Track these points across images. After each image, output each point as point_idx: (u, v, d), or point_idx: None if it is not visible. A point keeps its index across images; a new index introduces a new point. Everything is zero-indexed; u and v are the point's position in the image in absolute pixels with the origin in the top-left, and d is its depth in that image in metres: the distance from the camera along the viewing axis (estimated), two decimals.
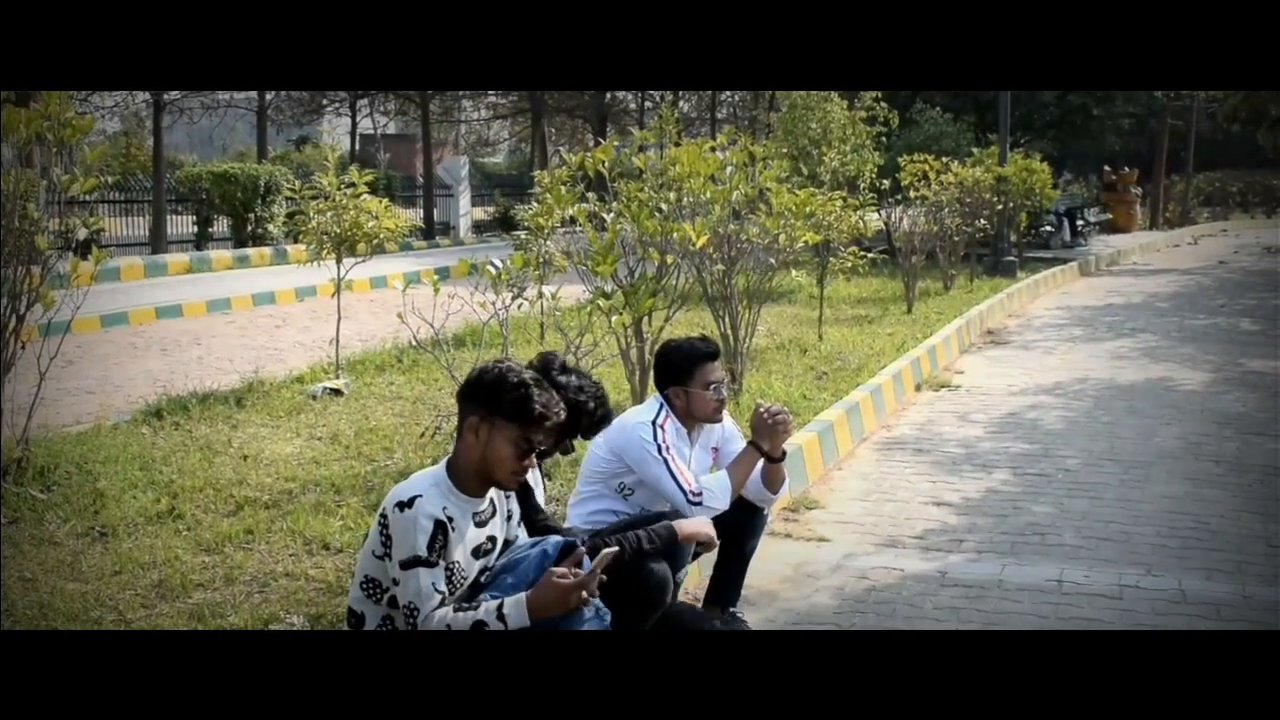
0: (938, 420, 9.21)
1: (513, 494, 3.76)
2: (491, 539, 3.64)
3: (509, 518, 3.77)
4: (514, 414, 3.46)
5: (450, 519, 3.44)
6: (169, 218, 24.95)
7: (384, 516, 3.47)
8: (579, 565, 3.54)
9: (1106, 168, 38.17)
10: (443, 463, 3.59)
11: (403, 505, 3.42)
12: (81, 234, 6.89)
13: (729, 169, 7.79)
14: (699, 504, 4.64)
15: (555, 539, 3.77)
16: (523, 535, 3.85)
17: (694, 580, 5.15)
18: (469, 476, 3.52)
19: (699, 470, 4.82)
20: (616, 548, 3.73)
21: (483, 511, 3.60)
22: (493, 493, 3.63)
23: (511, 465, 3.49)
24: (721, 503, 4.62)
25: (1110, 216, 34.05)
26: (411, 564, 3.36)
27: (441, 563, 3.40)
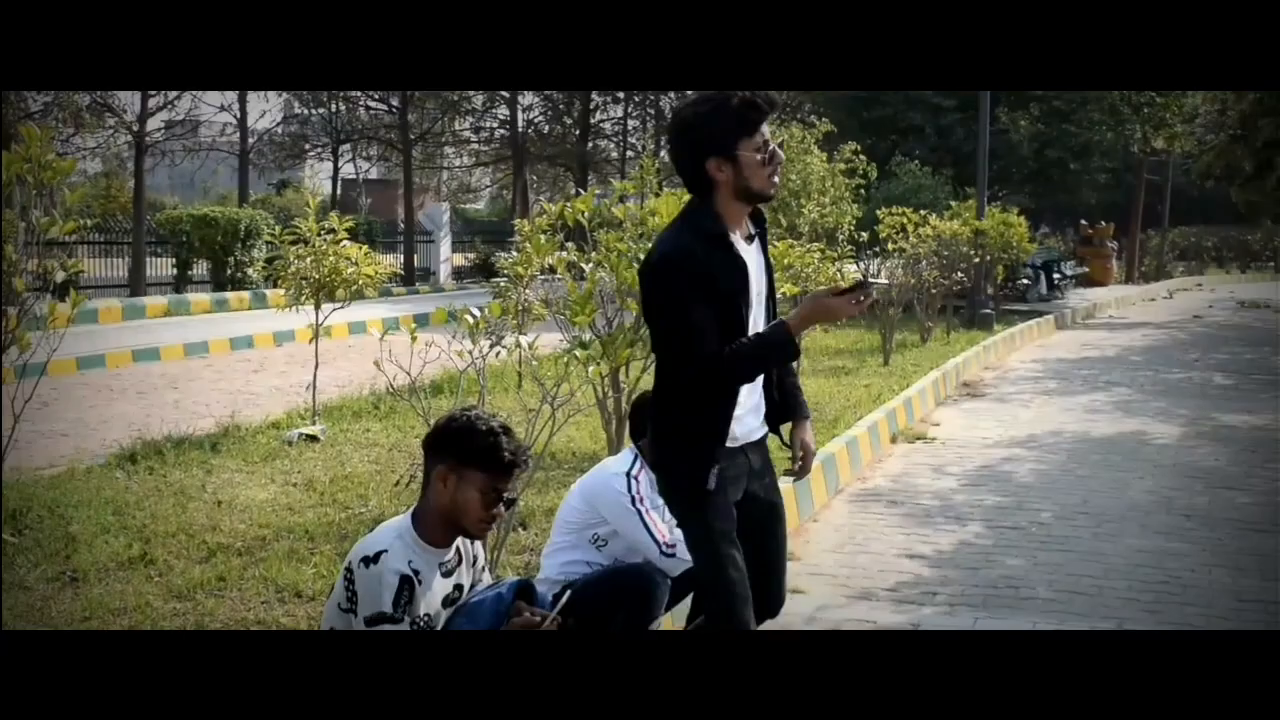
0: (913, 472, 9.24)
1: (480, 540, 3.76)
2: (459, 587, 3.65)
3: (475, 563, 3.77)
4: (483, 462, 3.46)
5: (416, 572, 3.43)
6: (148, 260, 24.95)
7: (349, 571, 3.46)
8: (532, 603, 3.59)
9: (1083, 221, 38.51)
10: (408, 513, 3.59)
11: (368, 560, 3.41)
12: (59, 276, 6.88)
13: None
14: (673, 556, 4.66)
15: (511, 580, 3.78)
16: (487, 579, 3.85)
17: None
18: (436, 526, 3.52)
19: (673, 522, 4.84)
20: (569, 591, 3.76)
21: (449, 561, 3.60)
22: (459, 540, 3.63)
23: (480, 514, 3.49)
24: None
25: (1087, 270, 34.33)
26: (376, 620, 3.35)
27: (407, 618, 3.39)
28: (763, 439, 3.95)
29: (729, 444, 3.73)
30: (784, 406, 3.99)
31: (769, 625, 4.02)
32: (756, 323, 3.70)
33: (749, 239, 3.73)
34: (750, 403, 3.80)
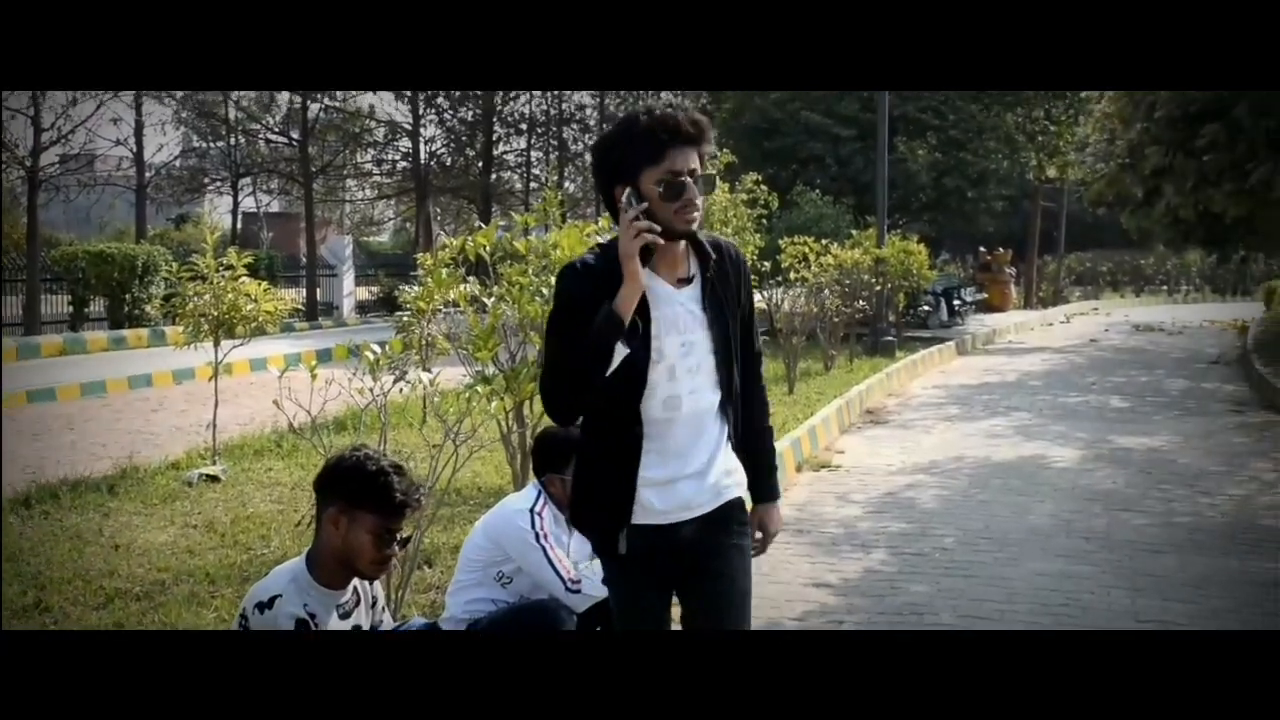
0: (818, 500, 9.30)
1: (377, 580, 3.72)
2: (358, 628, 3.60)
3: (374, 604, 3.73)
4: (374, 503, 3.42)
5: (313, 615, 3.39)
6: (43, 298, 24.43)
7: (244, 617, 3.41)
8: None
9: (982, 248, 39.18)
10: (302, 555, 3.55)
11: (262, 606, 3.36)
12: None
13: None
14: (578, 592, 4.65)
15: (418, 620, 3.75)
16: (387, 620, 3.81)
17: None
18: (330, 568, 3.48)
19: (578, 558, 4.82)
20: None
21: (346, 603, 3.56)
22: (356, 581, 3.59)
23: (373, 555, 3.45)
24: (602, 590, 4.63)
25: (986, 296, 34.89)
26: None
27: None
28: (716, 513, 3.38)
29: (655, 519, 3.32)
30: (753, 485, 3.56)
31: None
32: (680, 377, 3.30)
33: (681, 282, 3.34)
34: (689, 467, 3.33)
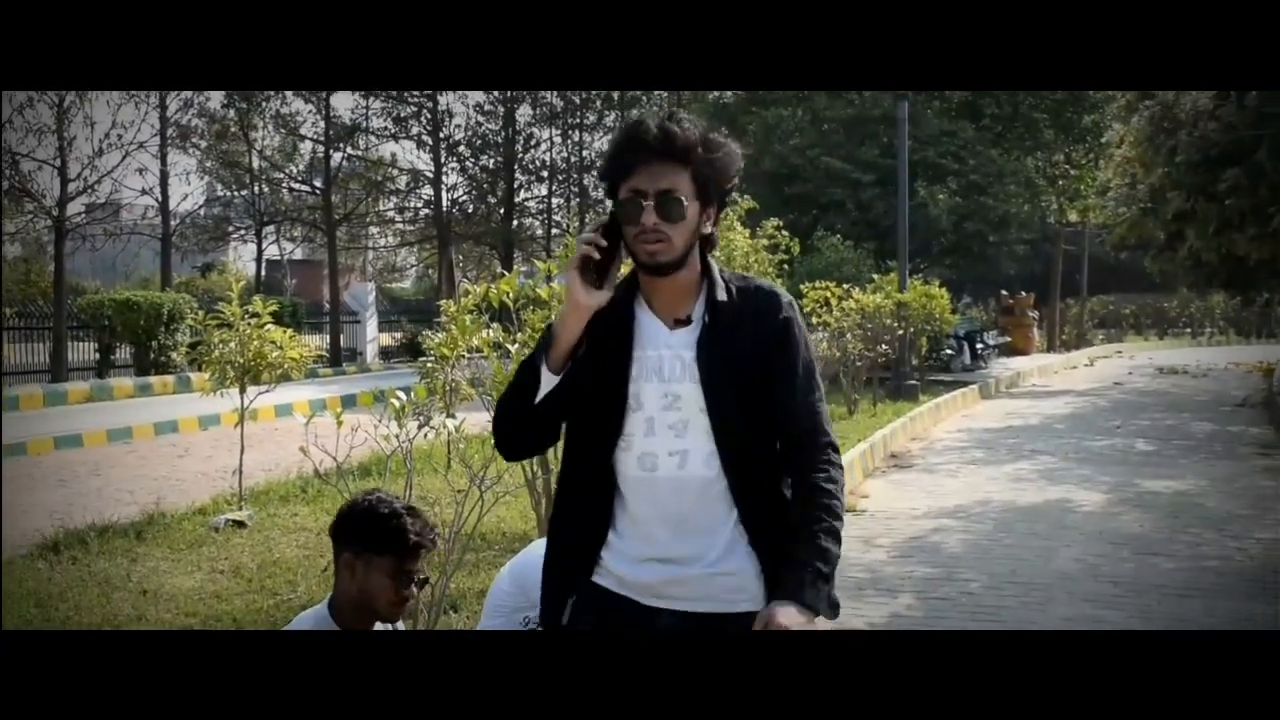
0: (844, 545, 9.26)
1: (394, 622, 3.73)
2: None
3: None
4: (389, 546, 3.44)
5: None
6: (70, 345, 24.60)
7: None
8: None
9: (1004, 292, 39.10)
10: (325, 601, 3.57)
11: None
12: None
13: None
14: None
15: None
16: None
17: None
18: (351, 613, 3.49)
19: None
20: None
21: None
22: (379, 625, 3.61)
23: (391, 597, 3.47)
24: None
25: (1009, 339, 34.82)
26: None
27: None
28: (710, 620, 2.79)
29: (625, 591, 2.84)
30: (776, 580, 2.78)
31: None
32: (660, 432, 2.79)
33: (679, 323, 2.85)
34: (663, 549, 2.81)
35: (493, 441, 2.96)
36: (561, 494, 2.98)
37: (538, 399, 2.80)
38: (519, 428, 2.91)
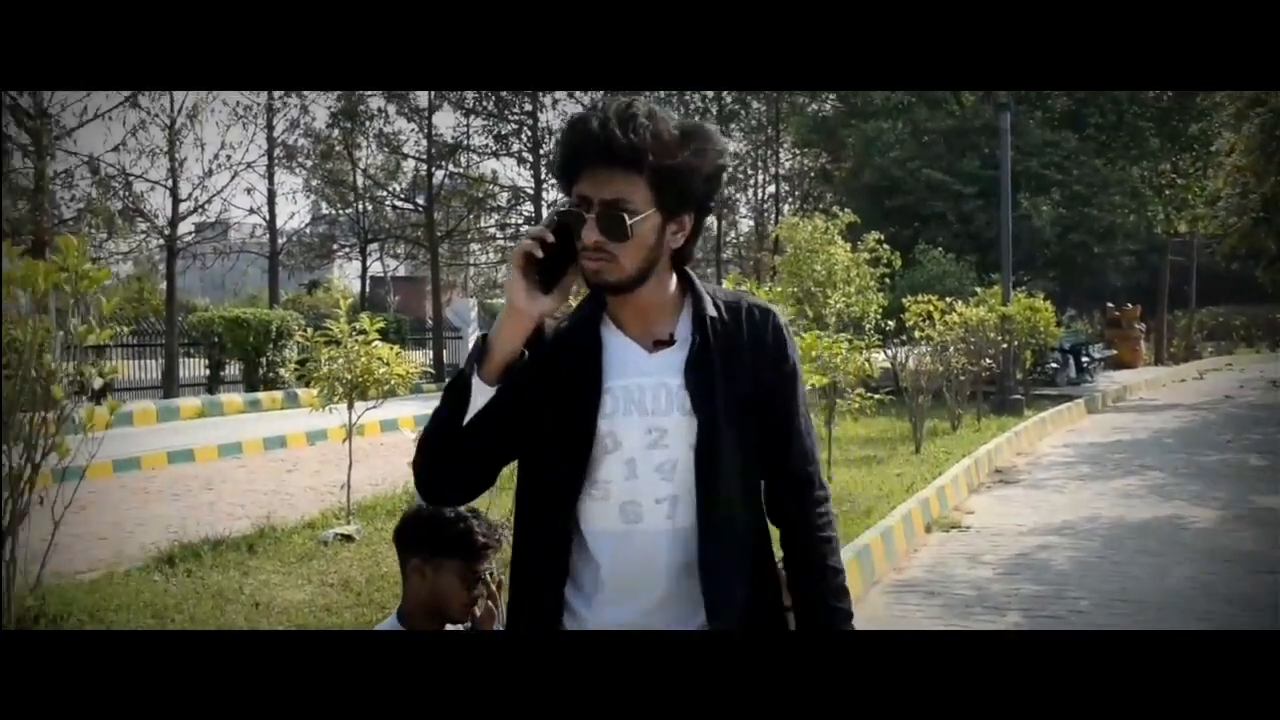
0: (948, 562, 9.20)
1: (463, 623, 3.75)
2: None
3: None
4: (457, 549, 3.48)
5: None
6: (181, 361, 25.16)
7: None
8: None
9: (1109, 304, 38.50)
10: (394, 614, 3.61)
11: None
12: (97, 383, 6.98)
13: None
14: None
15: None
16: None
17: None
18: (422, 618, 3.53)
19: None
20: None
21: None
22: (450, 627, 3.64)
23: (462, 599, 3.51)
24: None
25: (1115, 352, 34.27)
26: None
27: None
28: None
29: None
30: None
31: None
32: (644, 475, 2.36)
33: (660, 345, 2.42)
34: (645, 600, 2.38)
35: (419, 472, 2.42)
36: (517, 549, 2.49)
37: (467, 417, 2.30)
38: (442, 457, 2.37)
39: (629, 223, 2.28)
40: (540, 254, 2.28)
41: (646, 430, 2.37)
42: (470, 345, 2.32)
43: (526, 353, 2.33)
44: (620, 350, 2.42)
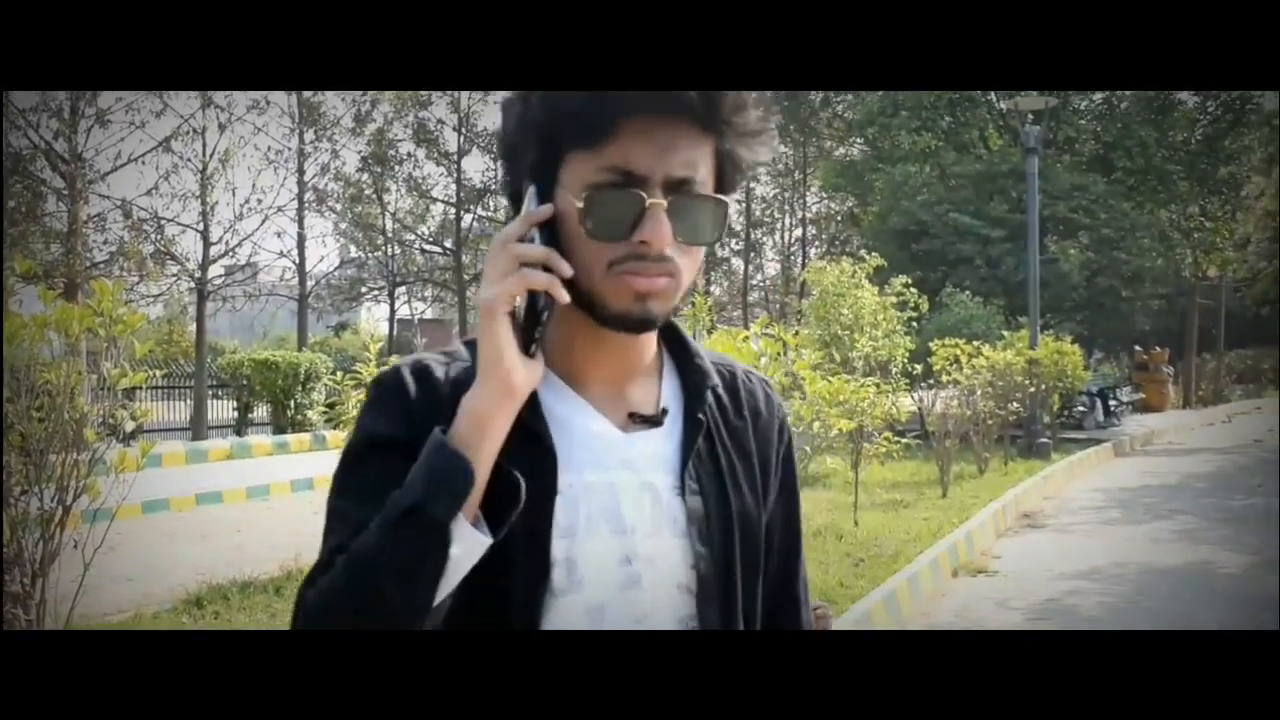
0: (976, 607, 9.16)
1: None
2: None
3: None
4: None
5: None
6: (210, 403, 25.31)
7: None
8: None
9: (1137, 347, 38.39)
10: None
11: None
12: (129, 426, 7.04)
13: (763, 359, 7.95)
14: None
15: None
16: None
17: None
18: None
19: None
20: None
21: None
22: None
23: None
24: None
25: (1143, 396, 34.12)
26: None
27: None
28: None
29: None
30: None
31: None
32: (617, 625, 1.51)
33: (639, 420, 1.59)
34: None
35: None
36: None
37: (445, 589, 1.40)
38: (396, 623, 1.42)
39: (726, 212, 1.53)
40: (566, 298, 1.46)
41: (622, 559, 1.52)
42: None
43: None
44: (581, 426, 1.56)
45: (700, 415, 1.61)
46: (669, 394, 1.63)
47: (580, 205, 1.45)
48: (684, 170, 1.46)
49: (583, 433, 1.55)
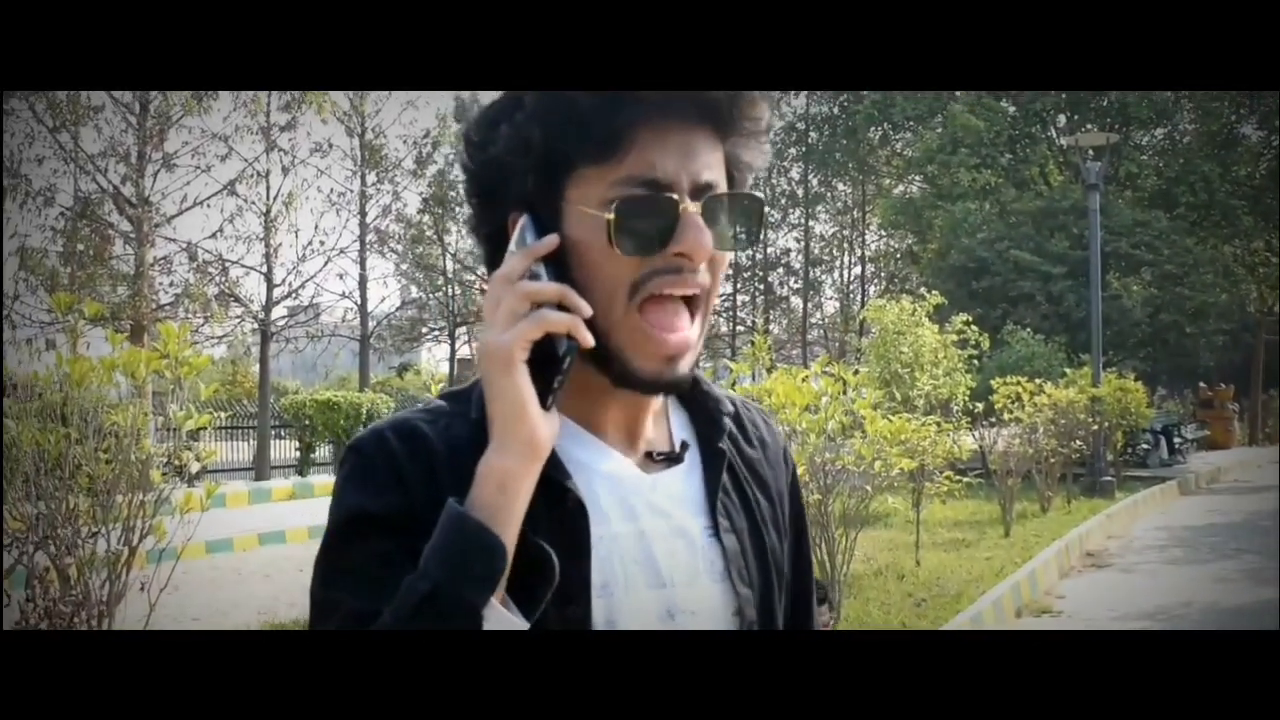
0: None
1: None
2: None
3: None
4: None
5: None
6: (272, 443, 25.56)
7: None
8: None
9: (1202, 384, 37.92)
10: None
11: None
12: (195, 468, 7.14)
13: (824, 398, 7.94)
14: None
15: None
16: None
17: None
18: None
19: None
20: None
21: None
22: None
23: None
24: None
25: (1208, 433, 33.65)
26: None
27: None
28: None
29: None
30: None
31: None
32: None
33: (658, 458, 1.46)
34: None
35: None
36: None
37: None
38: None
39: (763, 210, 1.43)
40: (590, 341, 1.33)
41: (664, 614, 1.40)
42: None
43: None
44: (603, 470, 1.42)
45: (721, 445, 1.49)
46: (679, 427, 1.51)
47: (611, 218, 1.31)
48: (709, 174, 1.36)
49: (605, 478, 1.40)
